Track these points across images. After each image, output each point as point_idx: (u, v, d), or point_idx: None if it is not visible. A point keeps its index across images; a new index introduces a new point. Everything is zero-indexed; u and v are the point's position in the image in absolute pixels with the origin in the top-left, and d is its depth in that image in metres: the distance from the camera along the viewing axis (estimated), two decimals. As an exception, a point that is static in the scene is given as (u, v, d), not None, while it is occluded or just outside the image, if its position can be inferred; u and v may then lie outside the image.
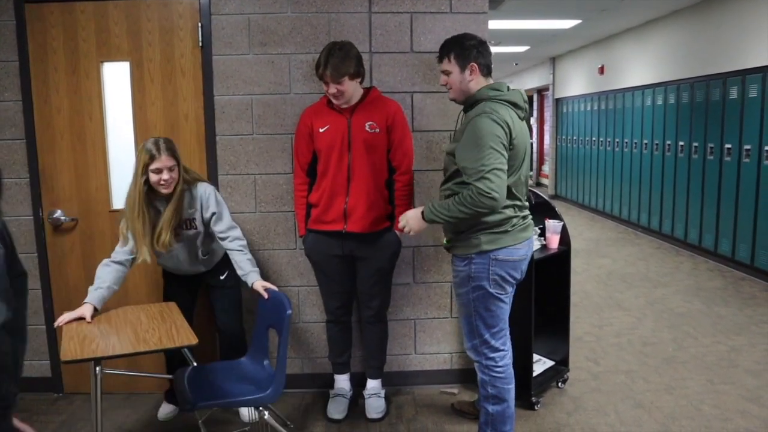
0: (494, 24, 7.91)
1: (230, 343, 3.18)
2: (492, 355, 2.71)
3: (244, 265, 2.93)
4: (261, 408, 2.62)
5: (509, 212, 2.62)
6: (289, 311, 2.61)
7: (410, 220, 2.70)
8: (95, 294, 2.75)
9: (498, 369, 2.72)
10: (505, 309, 2.73)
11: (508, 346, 2.77)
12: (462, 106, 2.75)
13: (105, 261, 2.86)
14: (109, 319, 2.76)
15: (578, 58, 11.18)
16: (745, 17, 6.14)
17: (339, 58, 2.89)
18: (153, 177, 2.78)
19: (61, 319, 2.67)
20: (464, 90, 2.67)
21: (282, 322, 2.62)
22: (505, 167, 2.48)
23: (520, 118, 2.61)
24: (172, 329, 2.60)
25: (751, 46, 6.00)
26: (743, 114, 6.07)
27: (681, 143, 7.34)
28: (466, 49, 2.63)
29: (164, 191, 2.82)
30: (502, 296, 2.69)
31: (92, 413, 2.49)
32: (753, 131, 5.92)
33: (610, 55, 9.71)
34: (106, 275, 2.81)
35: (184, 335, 2.52)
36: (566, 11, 7.56)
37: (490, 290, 2.64)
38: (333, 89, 2.93)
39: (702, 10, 6.95)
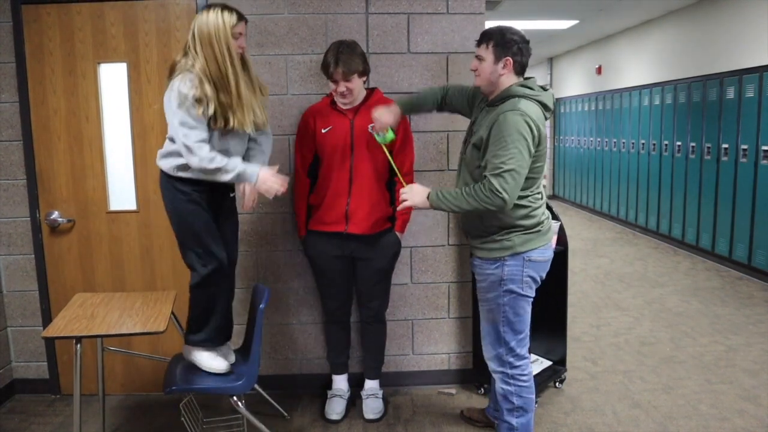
0: (492, 24, 7.91)
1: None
2: (518, 363, 2.67)
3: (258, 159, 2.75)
4: (235, 398, 2.69)
5: (541, 214, 2.63)
6: (262, 306, 2.65)
7: (414, 194, 2.61)
8: (253, 165, 2.59)
9: (524, 377, 2.67)
10: (530, 313, 2.70)
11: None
12: (483, 96, 2.69)
13: (209, 155, 2.48)
14: (108, 302, 2.89)
15: (576, 58, 11.19)
16: (742, 17, 6.16)
17: (348, 56, 2.90)
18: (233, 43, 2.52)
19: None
20: (493, 81, 2.59)
21: (256, 316, 2.67)
22: (524, 170, 2.45)
23: (545, 119, 2.59)
24: (152, 316, 2.68)
25: (748, 46, 6.01)
26: (740, 114, 6.08)
27: (678, 143, 7.36)
28: (507, 41, 2.55)
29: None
30: (530, 299, 2.67)
31: (74, 391, 2.57)
32: (750, 131, 5.93)
33: (607, 55, 9.72)
34: (230, 159, 2.56)
35: (156, 324, 2.60)
36: (563, 11, 7.58)
37: (522, 293, 2.61)
38: (342, 87, 2.94)
39: (698, 10, 6.96)
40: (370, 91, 3.13)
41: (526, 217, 2.57)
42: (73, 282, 3.47)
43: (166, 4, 3.29)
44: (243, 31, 2.61)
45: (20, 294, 3.48)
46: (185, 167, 2.56)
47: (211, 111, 2.48)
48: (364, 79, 3.04)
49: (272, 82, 3.34)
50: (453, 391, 3.57)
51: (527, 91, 2.54)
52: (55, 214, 3.41)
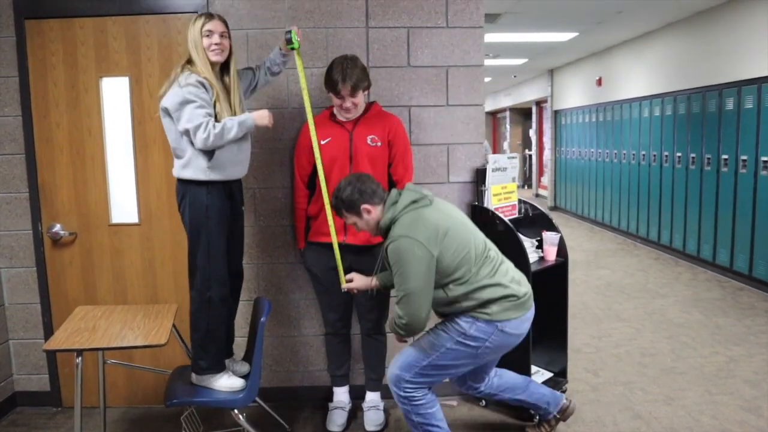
0: (492, 37, 7.97)
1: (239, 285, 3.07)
2: (412, 392, 2.68)
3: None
4: (236, 411, 2.70)
5: (509, 282, 2.63)
6: (263, 319, 2.68)
7: (357, 281, 2.90)
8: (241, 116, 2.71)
9: (416, 396, 2.68)
10: (467, 370, 2.79)
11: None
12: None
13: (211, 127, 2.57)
14: (109, 314, 2.92)
15: (576, 70, 11.24)
16: (740, 29, 6.19)
17: (353, 71, 2.94)
18: (205, 41, 2.66)
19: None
20: (373, 226, 2.71)
21: (258, 329, 2.69)
22: (426, 286, 2.51)
23: (428, 204, 2.64)
24: (153, 329, 2.70)
25: (746, 58, 6.04)
26: (739, 125, 6.10)
27: (678, 154, 7.38)
28: (352, 201, 2.66)
29: (215, 58, 2.70)
30: (479, 361, 2.71)
31: (75, 403, 2.57)
32: (749, 142, 5.94)
33: (607, 67, 9.77)
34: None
35: (157, 336, 2.62)
36: (563, 24, 7.62)
37: (477, 352, 2.63)
38: (348, 103, 2.98)
39: (697, 22, 7.00)
40: (369, 104, 3.16)
41: (494, 294, 2.58)
42: (74, 295, 3.48)
43: (167, 19, 3.33)
44: (213, 28, 2.69)
45: (22, 307, 3.50)
46: (213, 166, 2.65)
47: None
48: (367, 92, 3.08)
49: (273, 95, 3.37)
50: (454, 403, 3.57)
51: (393, 213, 2.61)
52: (57, 227, 3.43)
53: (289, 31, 2.88)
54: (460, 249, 2.56)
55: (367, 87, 3.04)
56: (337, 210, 2.76)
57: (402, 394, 2.67)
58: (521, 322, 2.65)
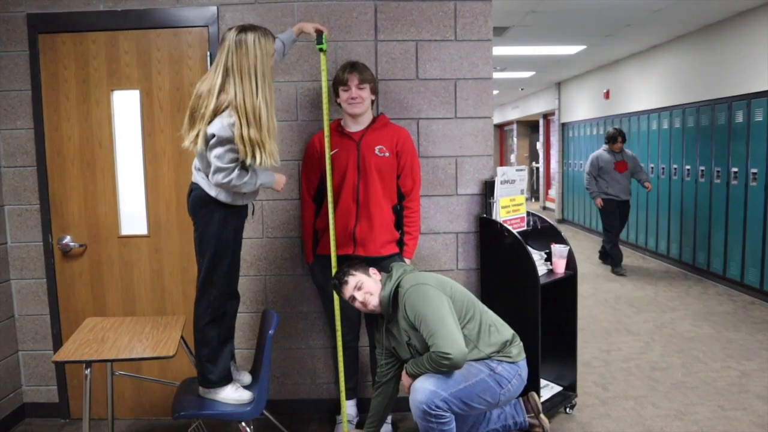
0: (500, 50, 7.99)
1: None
2: (442, 412, 2.66)
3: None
4: (243, 423, 2.70)
5: (507, 330, 2.86)
6: (271, 332, 2.69)
7: (402, 379, 2.87)
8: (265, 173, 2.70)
9: (445, 416, 2.66)
10: (481, 410, 2.81)
11: None
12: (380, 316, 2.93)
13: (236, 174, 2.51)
14: (118, 326, 2.92)
15: (583, 83, 11.24)
16: (749, 42, 6.19)
17: (362, 65, 3.09)
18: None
19: None
20: (378, 296, 2.82)
21: (265, 342, 2.71)
22: (453, 320, 2.66)
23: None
24: (161, 341, 2.70)
25: (756, 71, 6.03)
26: (749, 138, 6.08)
27: (687, 167, 7.35)
28: (360, 262, 2.88)
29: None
30: (492, 406, 2.79)
31: (83, 415, 2.56)
32: (759, 155, 5.92)
33: (615, 80, 9.77)
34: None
35: (165, 348, 2.62)
36: (571, 37, 7.64)
37: (499, 393, 2.73)
38: (355, 92, 3.02)
39: (705, 36, 7.00)
40: (375, 117, 3.18)
41: (507, 333, 2.84)
42: (84, 306, 3.49)
43: (178, 33, 3.36)
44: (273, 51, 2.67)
45: (32, 318, 3.51)
46: (249, 194, 2.68)
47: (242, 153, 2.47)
48: (373, 98, 3.11)
49: (282, 108, 3.38)
50: None
51: (393, 282, 2.80)
52: (68, 239, 3.45)
53: (322, 33, 2.98)
54: (463, 294, 2.83)
55: (373, 90, 3.09)
56: (343, 278, 2.85)
57: (432, 411, 2.63)
58: (525, 363, 2.85)
